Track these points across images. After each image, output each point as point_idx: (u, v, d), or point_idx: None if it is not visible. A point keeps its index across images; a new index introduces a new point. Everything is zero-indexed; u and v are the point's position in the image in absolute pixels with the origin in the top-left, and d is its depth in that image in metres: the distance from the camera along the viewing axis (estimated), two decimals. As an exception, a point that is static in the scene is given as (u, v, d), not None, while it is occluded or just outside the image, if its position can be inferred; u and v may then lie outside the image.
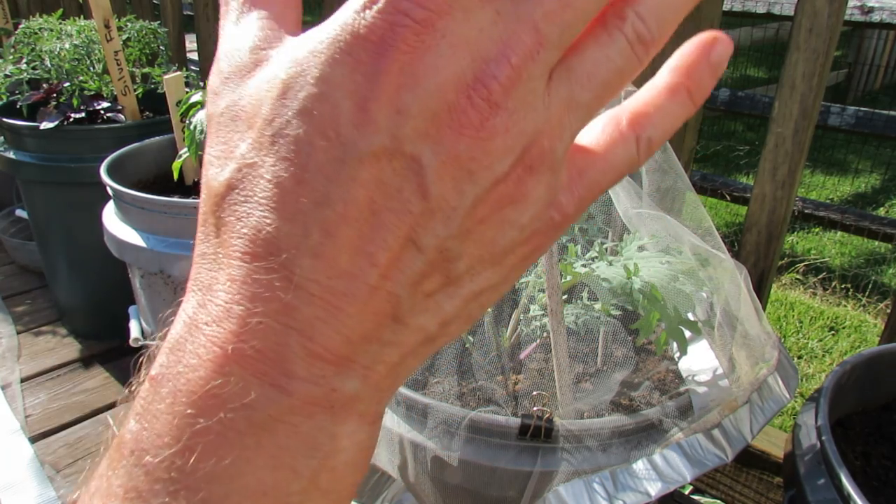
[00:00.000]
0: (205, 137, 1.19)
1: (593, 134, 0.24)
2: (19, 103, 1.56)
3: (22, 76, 1.62)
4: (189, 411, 0.20)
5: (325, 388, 0.21)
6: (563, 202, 0.23)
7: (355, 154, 0.20)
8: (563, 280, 0.72)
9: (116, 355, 1.73)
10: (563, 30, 0.20)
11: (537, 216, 0.22)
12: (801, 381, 2.16)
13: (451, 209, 0.20)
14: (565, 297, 0.70)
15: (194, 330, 0.21)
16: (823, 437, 0.72)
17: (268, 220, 0.20)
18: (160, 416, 0.21)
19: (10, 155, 1.55)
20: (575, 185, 0.23)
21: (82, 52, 1.64)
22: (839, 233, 3.08)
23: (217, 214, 0.22)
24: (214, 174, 0.22)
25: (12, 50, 1.73)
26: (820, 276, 2.82)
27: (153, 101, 1.71)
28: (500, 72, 0.19)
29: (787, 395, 0.80)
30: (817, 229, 3.24)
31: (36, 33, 1.71)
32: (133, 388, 0.23)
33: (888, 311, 1.48)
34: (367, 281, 0.20)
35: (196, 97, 1.22)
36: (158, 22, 1.95)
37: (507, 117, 0.20)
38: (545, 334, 0.79)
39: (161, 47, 1.82)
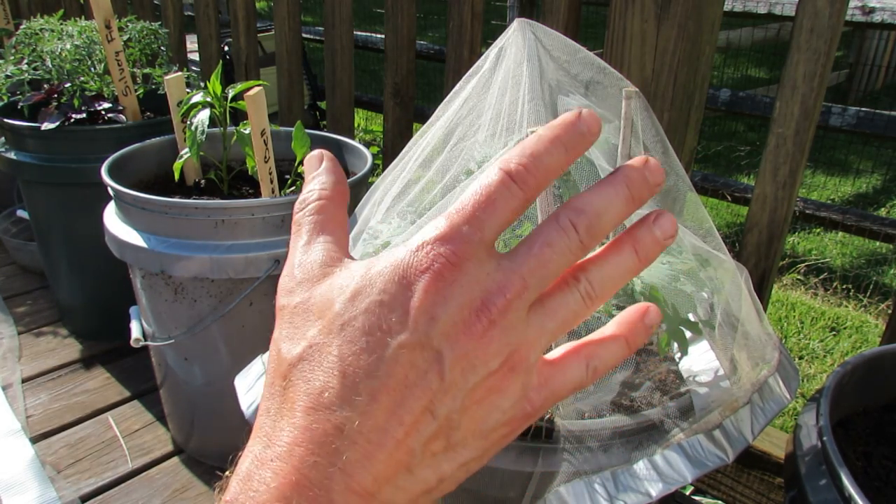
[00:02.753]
0: (201, 140, 1.19)
1: (558, 355, 0.33)
2: (20, 104, 1.56)
3: (23, 77, 1.62)
4: None
5: None
6: (533, 398, 0.32)
7: (399, 344, 0.29)
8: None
9: (117, 356, 1.73)
10: (540, 281, 0.30)
11: (514, 405, 0.31)
12: (803, 381, 2.16)
13: (458, 389, 0.29)
14: None
15: (261, 465, 0.29)
16: (824, 438, 0.71)
17: (331, 384, 0.29)
18: None
19: (12, 155, 1.55)
20: (542, 388, 0.32)
21: (83, 52, 1.64)
22: (840, 233, 3.08)
23: (287, 377, 0.30)
24: (287, 349, 0.31)
25: (13, 50, 1.73)
26: (821, 277, 2.82)
27: (154, 102, 1.71)
28: (498, 302, 0.30)
29: (788, 396, 0.80)
30: (818, 230, 3.24)
31: (37, 34, 1.71)
32: None
33: (889, 311, 1.48)
34: (395, 436, 0.29)
35: (196, 97, 1.22)
36: (159, 22, 1.95)
37: (500, 332, 0.30)
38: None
39: (162, 48, 1.82)
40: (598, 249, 0.33)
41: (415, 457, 0.29)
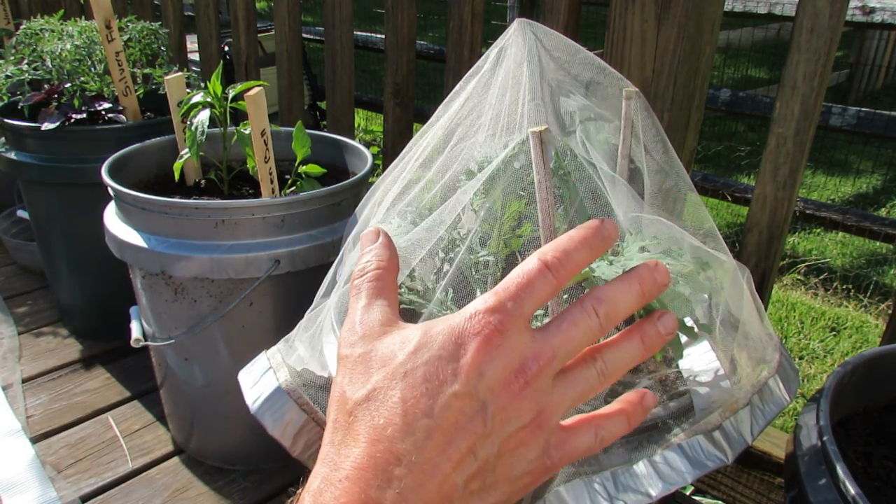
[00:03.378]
0: (201, 140, 1.19)
1: (573, 422, 0.40)
2: (20, 104, 1.56)
3: (23, 77, 1.62)
4: None
5: None
6: (552, 455, 0.38)
7: (453, 393, 0.35)
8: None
9: (117, 356, 1.73)
10: (566, 354, 0.37)
11: (538, 458, 0.37)
12: (803, 381, 2.16)
13: (496, 437, 0.35)
14: (566, 297, 0.70)
15: (330, 484, 0.34)
16: (824, 438, 0.71)
17: (394, 421, 0.34)
18: None
19: (12, 155, 1.55)
20: (560, 448, 0.38)
21: (83, 52, 1.64)
22: (840, 233, 3.08)
23: (352, 414, 0.36)
24: (352, 391, 0.37)
25: (13, 51, 1.73)
26: (821, 277, 2.82)
27: (154, 102, 1.71)
28: (533, 367, 0.36)
29: (788, 397, 0.80)
30: (818, 230, 3.24)
31: (37, 34, 1.71)
32: None
33: (889, 311, 1.47)
34: (444, 470, 0.34)
35: (197, 98, 1.22)
36: (159, 22, 1.95)
37: (533, 392, 0.36)
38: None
39: (162, 48, 1.82)
40: (613, 335, 0.40)
41: (457, 491, 0.35)
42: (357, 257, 0.46)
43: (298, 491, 0.36)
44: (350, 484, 0.34)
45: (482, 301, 0.37)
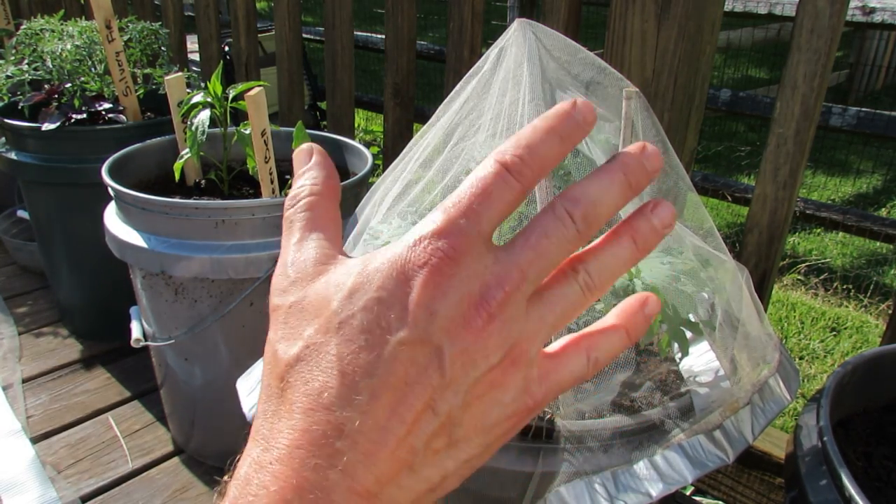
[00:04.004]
0: (201, 140, 1.19)
1: (559, 347, 0.33)
2: (21, 104, 1.56)
3: (23, 77, 1.62)
4: None
5: None
6: (534, 391, 0.31)
7: (398, 340, 0.28)
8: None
9: (117, 356, 1.73)
10: (538, 273, 0.30)
11: (516, 398, 0.31)
12: (803, 381, 2.16)
13: (459, 385, 0.29)
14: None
15: (260, 469, 0.29)
16: (825, 438, 0.71)
17: (330, 384, 0.28)
18: None
19: (12, 156, 1.55)
20: (543, 381, 0.32)
21: (84, 52, 1.64)
22: (841, 233, 3.08)
23: (285, 379, 0.30)
24: (283, 349, 0.30)
25: (14, 51, 1.73)
26: (821, 277, 2.82)
27: (154, 102, 1.71)
28: (497, 296, 0.29)
29: (788, 397, 0.80)
30: (819, 230, 3.24)
31: (37, 34, 1.71)
32: None
33: (890, 311, 1.47)
34: (397, 434, 0.28)
35: (197, 98, 1.22)
36: (160, 23, 1.95)
37: (500, 325, 0.29)
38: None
39: (162, 48, 1.82)
40: (597, 240, 0.33)
41: (417, 455, 0.29)
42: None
43: (226, 479, 0.31)
44: (281, 466, 0.28)
45: (429, 222, 0.29)
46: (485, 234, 0.30)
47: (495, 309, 0.29)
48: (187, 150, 1.20)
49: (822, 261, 3.00)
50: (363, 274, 0.30)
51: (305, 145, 0.38)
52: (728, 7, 2.96)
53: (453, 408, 0.29)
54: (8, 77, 1.63)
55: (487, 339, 0.29)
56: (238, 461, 0.30)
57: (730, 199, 2.65)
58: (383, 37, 1.70)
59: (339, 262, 0.32)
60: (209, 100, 1.22)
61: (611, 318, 0.34)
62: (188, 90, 1.32)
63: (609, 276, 0.32)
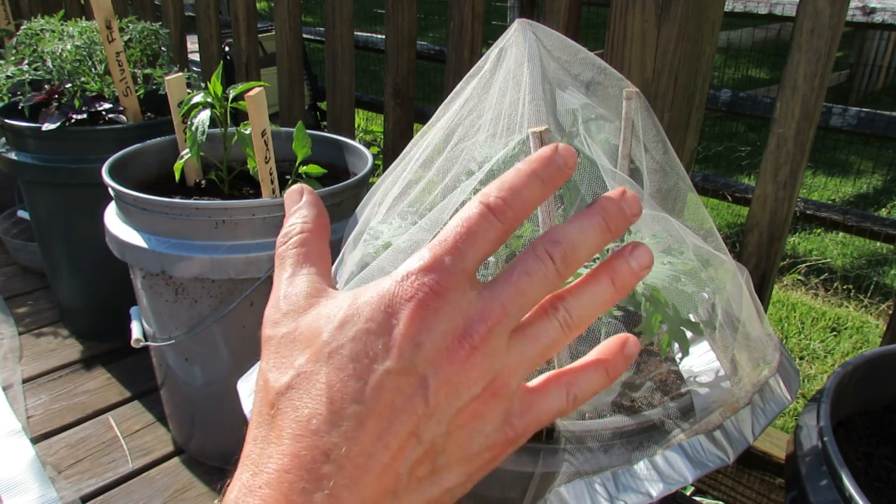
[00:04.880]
0: (201, 140, 1.19)
1: (539, 382, 0.35)
2: (21, 104, 1.56)
3: (24, 77, 1.62)
4: None
5: None
6: (515, 423, 0.33)
7: (385, 370, 0.30)
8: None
9: (118, 356, 1.73)
10: (520, 309, 0.32)
11: (497, 429, 0.32)
12: (803, 381, 2.16)
13: (443, 414, 0.30)
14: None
15: (249, 493, 0.30)
16: (825, 438, 0.71)
17: (319, 411, 0.30)
18: None
19: (12, 156, 1.55)
20: (524, 414, 0.33)
21: (84, 53, 1.64)
22: (841, 234, 3.08)
23: (275, 406, 0.31)
24: (275, 378, 0.32)
25: (14, 51, 1.73)
26: (822, 277, 2.82)
27: (155, 102, 1.71)
28: (480, 329, 0.31)
29: (789, 397, 0.80)
30: (819, 230, 3.24)
31: (38, 34, 1.71)
32: None
33: (890, 311, 1.47)
34: (382, 460, 0.29)
35: (197, 98, 1.22)
36: (160, 23, 1.95)
37: (482, 357, 0.31)
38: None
39: (162, 48, 1.82)
40: (578, 279, 0.35)
41: (401, 481, 0.30)
42: (288, 221, 0.39)
43: (216, 502, 0.32)
44: (271, 491, 0.29)
45: (416, 259, 0.31)
46: (469, 271, 0.31)
47: (478, 342, 0.31)
48: (187, 150, 1.20)
49: (823, 261, 3.00)
50: (353, 306, 0.31)
51: (296, 186, 0.40)
52: (728, 7, 2.96)
53: (437, 436, 0.30)
54: (8, 77, 1.63)
55: (470, 370, 0.30)
56: (228, 485, 0.32)
57: (730, 199, 2.65)
58: (383, 37, 1.70)
59: (330, 296, 0.34)
60: (209, 100, 1.22)
61: (591, 356, 0.36)
62: (188, 90, 1.32)
63: (587, 315, 0.34)
